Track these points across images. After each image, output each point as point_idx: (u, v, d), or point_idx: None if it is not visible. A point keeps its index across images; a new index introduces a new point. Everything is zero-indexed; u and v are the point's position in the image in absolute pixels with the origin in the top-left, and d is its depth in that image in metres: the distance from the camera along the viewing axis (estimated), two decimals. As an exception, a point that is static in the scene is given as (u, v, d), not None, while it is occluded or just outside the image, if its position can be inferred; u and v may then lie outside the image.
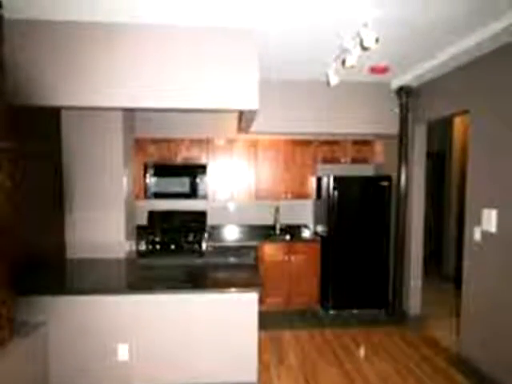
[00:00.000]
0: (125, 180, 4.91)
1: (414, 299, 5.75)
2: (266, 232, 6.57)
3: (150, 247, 5.77)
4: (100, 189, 4.76)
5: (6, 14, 3.13)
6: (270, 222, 6.77)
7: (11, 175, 2.95)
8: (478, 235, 4.05)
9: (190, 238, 5.98)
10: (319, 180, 6.32)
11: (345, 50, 4.05)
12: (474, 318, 4.18)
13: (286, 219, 6.76)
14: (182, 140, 6.12)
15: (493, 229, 3.83)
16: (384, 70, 4.99)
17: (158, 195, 6.08)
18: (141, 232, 6.07)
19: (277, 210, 6.61)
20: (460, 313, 4.44)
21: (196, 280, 3.78)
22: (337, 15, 3.35)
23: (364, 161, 6.53)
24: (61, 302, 3.46)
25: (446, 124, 7.49)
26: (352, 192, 5.92)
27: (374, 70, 4.97)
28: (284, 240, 6.06)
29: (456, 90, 4.50)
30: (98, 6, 3.26)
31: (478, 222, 4.04)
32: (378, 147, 6.53)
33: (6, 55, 2.98)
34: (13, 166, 2.98)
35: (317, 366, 4.38)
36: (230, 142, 6.22)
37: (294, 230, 6.66)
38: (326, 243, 5.97)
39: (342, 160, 6.44)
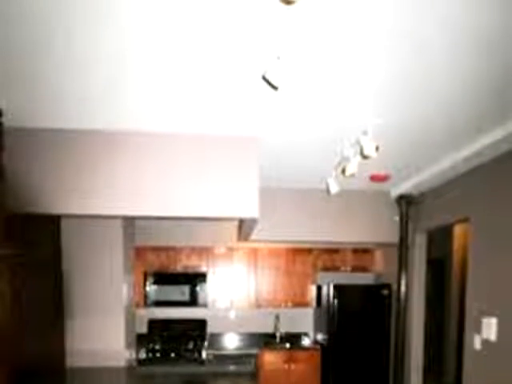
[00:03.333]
0: (125, 288, 4.92)
1: (414, 407, 5.52)
2: (266, 340, 6.46)
3: (150, 355, 5.68)
4: (100, 297, 4.73)
5: (6, 122, 3.17)
6: (270, 329, 6.66)
7: (11, 282, 2.97)
8: (477, 343, 4.01)
9: (190, 346, 5.90)
10: (319, 288, 6.35)
11: (345, 158, 4.02)
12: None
13: (286, 327, 6.66)
14: (182, 248, 6.21)
15: (493, 337, 3.80)
16: (384, 179, 4.94)
17: (158, 303, 6.07)
18: (141, 340, 5.97)
19: (277, 318, 6.55)
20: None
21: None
22: (337, 124, 3.37)
23: (364, 269, 6.58)
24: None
25: (446, 231, 7.54)
26: (352, 300, 5.93)
27: (374, 178, 4.93)
28: (284, 348, 5.99)
29: (456, 198, 4.48)
30: (99, 115, 3.26)
31: (478, 330, 4.01)
32: (378, 255, 6.60)
33: (5, 162, 3.04)
34: (12, 273, 2.99)
35: None
36: (230, 249, 6.32)
37: (294, 338, 6.53)
38: (326, 351, 5.88)
39: (342, 268, 6.50)
